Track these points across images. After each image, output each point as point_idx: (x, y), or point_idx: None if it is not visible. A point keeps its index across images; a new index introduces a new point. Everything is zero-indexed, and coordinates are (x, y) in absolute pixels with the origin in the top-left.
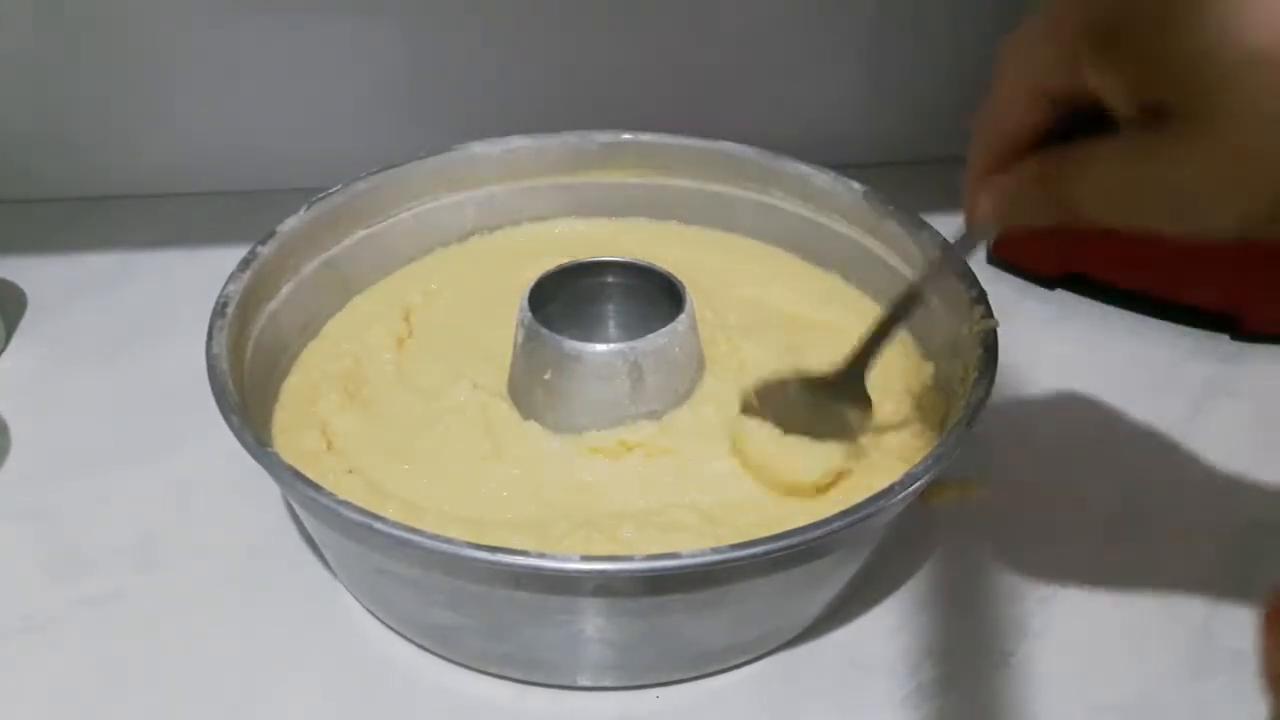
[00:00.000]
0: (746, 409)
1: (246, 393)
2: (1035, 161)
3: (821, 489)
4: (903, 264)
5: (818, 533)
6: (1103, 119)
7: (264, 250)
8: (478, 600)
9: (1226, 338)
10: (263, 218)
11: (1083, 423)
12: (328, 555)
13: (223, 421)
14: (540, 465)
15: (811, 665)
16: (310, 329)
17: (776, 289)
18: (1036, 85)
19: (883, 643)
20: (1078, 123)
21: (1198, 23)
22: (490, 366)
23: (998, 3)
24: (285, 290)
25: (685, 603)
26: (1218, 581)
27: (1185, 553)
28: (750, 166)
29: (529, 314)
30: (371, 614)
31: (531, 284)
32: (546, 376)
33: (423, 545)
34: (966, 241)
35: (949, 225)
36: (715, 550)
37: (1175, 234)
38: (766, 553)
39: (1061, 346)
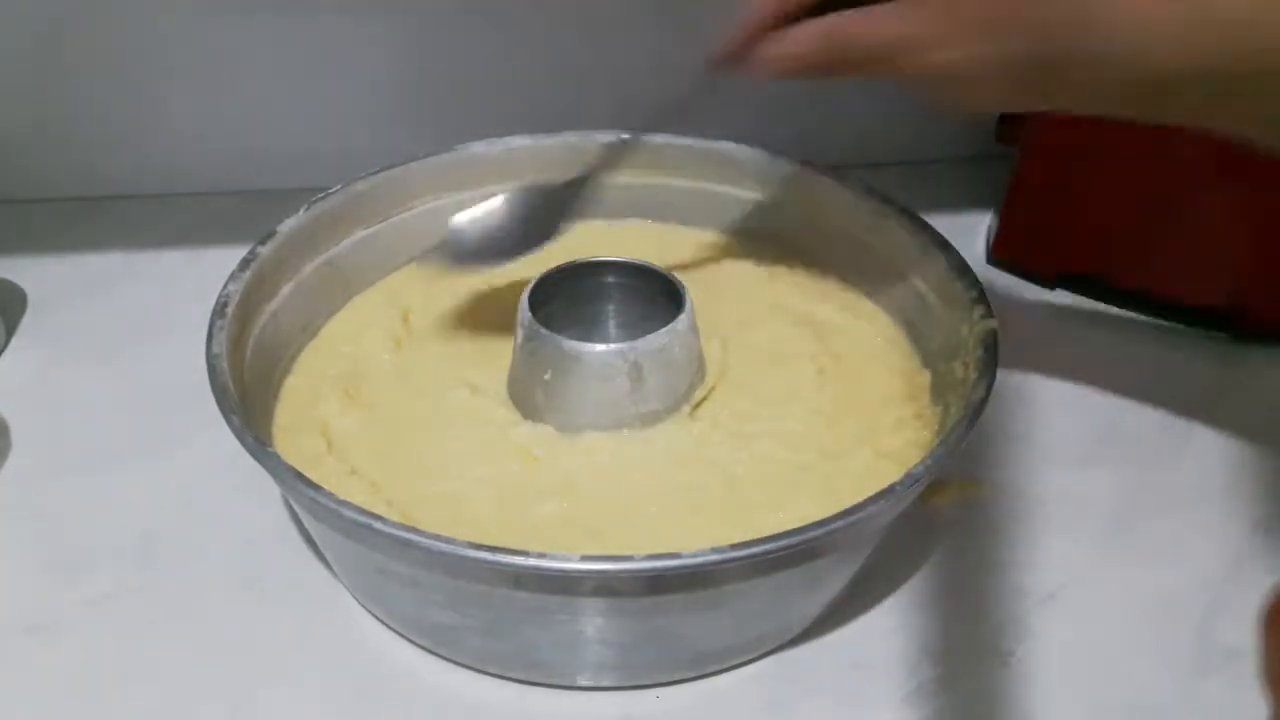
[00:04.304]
0: None
1: (246, 393)
2: (818, 21)
3: None
4: (903, 263)
5: (818, 533)
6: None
7: (264, 250)
8: (478, 600)
9: (1226, 338)
10: (263, 218)
11: (1083, 423)
12: (328, 555)
13: (223, 421)
14: (540, 465)
15: (811, 665)
16: (310, 329)
17: (776, 289)
18: None
19: (883, 643)
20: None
21: None
22: (490, 367)
23: None
24: (285, 290)
25: (685, 603)
26: (1218, 581)
27: (1185, 553)
28: (750, 166)
29: (529, 314)
30: (371, 614)
31: (531, 284)
32: (546, 376)
33: (423, 545)
34: (704, 87)
35: (949, 225)
36: (715, 550)
37: (919, 78)
38: (766, 553)
39: (1061, 346)
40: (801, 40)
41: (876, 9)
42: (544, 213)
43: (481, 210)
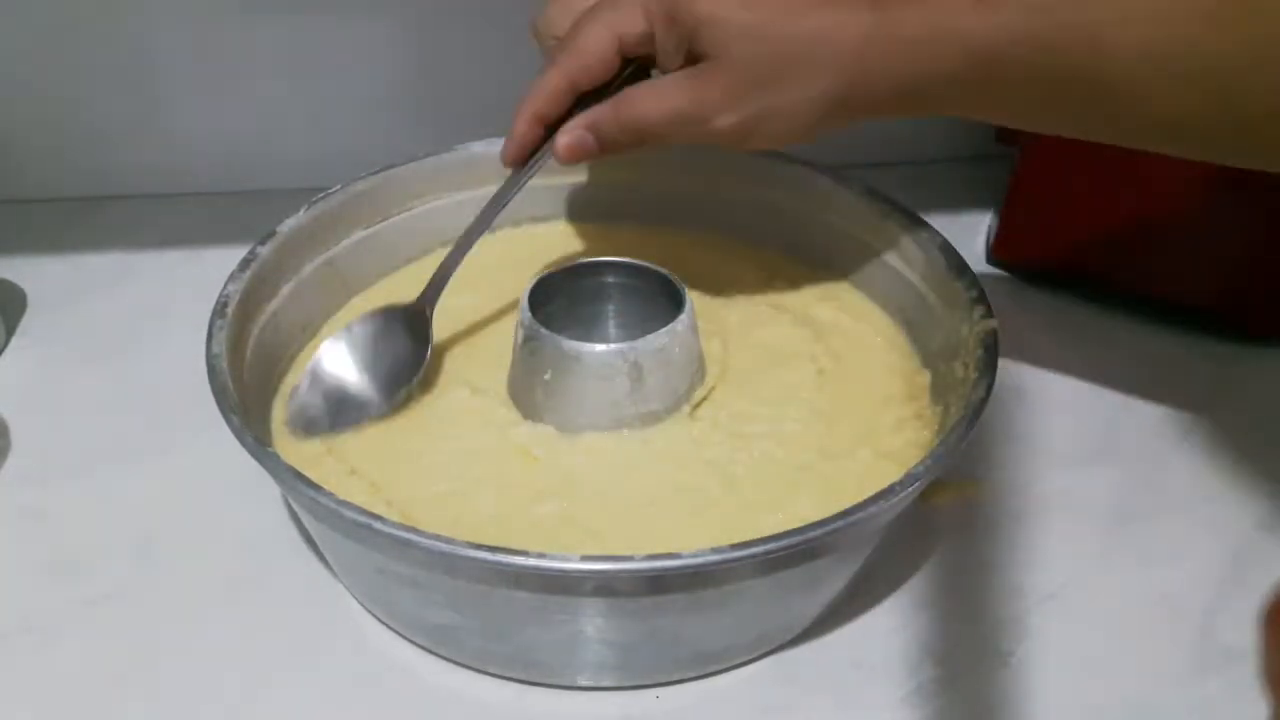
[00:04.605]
0: None
1: (246, 393)
2: (607, 101)
3: None
4: (903, 264)
5: (818, 533)
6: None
7: (264, 250)
8: (478, 600)
9: (1226, 338)
10: (263, 218)
11: (1083, 423)
12: (328, 555)
13: (223, 421)
14: (540, 465)
15: (811, 665)
16: (310, 329)
17: (776, 289)
18: (618, 38)
19: (883, 643)
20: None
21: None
22: (490, 367)
23: None
24: (285, 290)
25: (685, 603)
26: (1218, 581)
27: (1185, 553)
28: (750, 166)
29: (529, 314)
30: (371, 614)
31: (531, 284)
32: (546, 376)
33: (423, 545)
34: (518, 180)
35: (949, 225)
36: (715, 550)
37: (714, 139)
38: (766, 553)
39: (1061, 346)
40: (574, 137)
41: (665, 80)
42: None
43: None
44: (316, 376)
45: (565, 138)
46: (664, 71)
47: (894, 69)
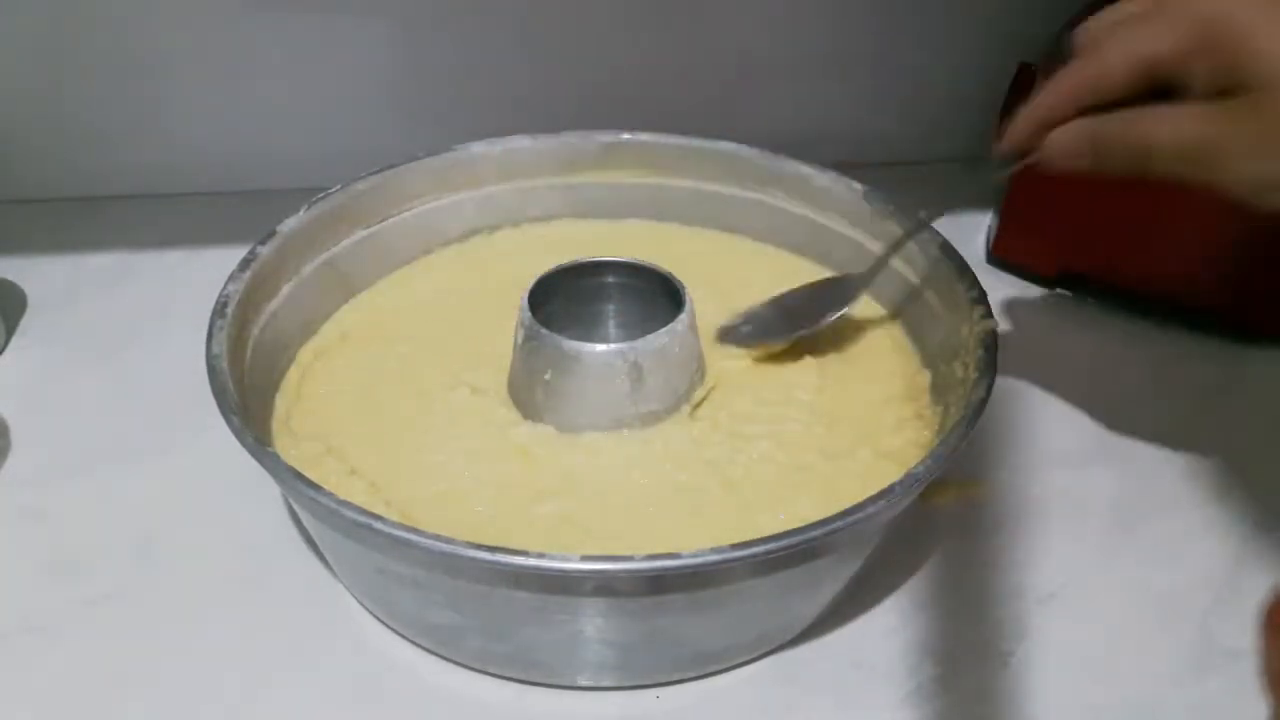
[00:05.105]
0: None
1: (246, 393)
2: (1115, 115)
3: None
4: (903, 264)
5: (818, 533)
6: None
7: (264, 250)
8: (478, 600)
9: (1226, 338)
10: (263, 218)
11: (1083, 423)
12: (328, 555)
13: (223, 421)
14: (540, 465)
15: (811, 665)
16: (310, 329)
17: (777, 289)
18: (1145, 57)
19: (883, 643)
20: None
21: (1276, 33)
22: (490, 367)
23: (997, 4)
24: (285, 290)
25: (685, 603)
26: (1218, 581)
27: (1185, 553)
28: (750, 166)
29: (529, 314)
30: (371, 614)
31: (531, 284)
32: (546, 376)
33: (423, 545)
34: (1003, 168)
35: (949, 225)
36: (715, 550)
37: (1227, 184)
38: (766, 553)
39: (1061, 346)
40: (1069, 139)
41: (1184, 108)
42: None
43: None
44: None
45: (1064, 137)
46: (1193, 98)
47: None
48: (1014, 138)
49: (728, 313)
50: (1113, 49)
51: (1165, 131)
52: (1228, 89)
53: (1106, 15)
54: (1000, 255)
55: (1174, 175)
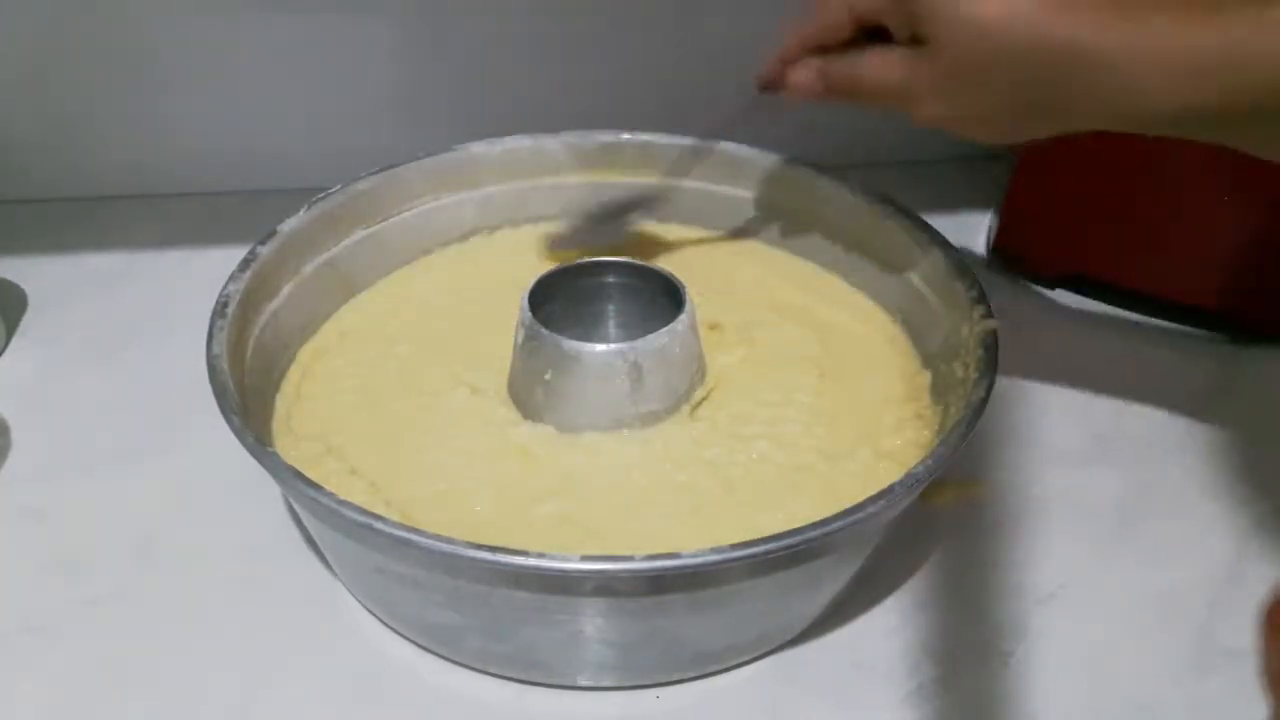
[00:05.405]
0: None
1: (246, 393)
2: (844, 56)
3: None
4: (903, 264)
5: (818, 533)
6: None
7: (264, 250)
8: (478, 600)
9: (1226, 338)
10: (263, 218)
11: (1082, 423)
12: (328, 555)
13: (223, 421)
14: (540, 465)
15: (811, 665)
16: (310, 329)
17: (776, 289)
18: (856, 8)
19: (883, 643)
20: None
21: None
22: (490, 367)
23: None
24: (285, 290)
25: (685, 603)
26: (1218, 581)
27: (1185, 553)
28: (750, 167)
29: (529, 314)
30: (371, 614)
31: (531, 284)
32: (546, 376)
33: (423, 545)
34: (752, 106)
35: (949, 225)
36: (715, 550)
37: (919, 120)
38: (766, 553)
39: (1061, 346)
40: (805, 75)
41: (888, 53)
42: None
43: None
44: None
45: (800, 74)
46: (899, 44)
47: (1181, 94)
48: (765, 74)
49: (728, 312)
50: (829, 5)
51: (868, 74)
52: (918, 38)
53: None
54: (1000, 255)
55: (883, 108)
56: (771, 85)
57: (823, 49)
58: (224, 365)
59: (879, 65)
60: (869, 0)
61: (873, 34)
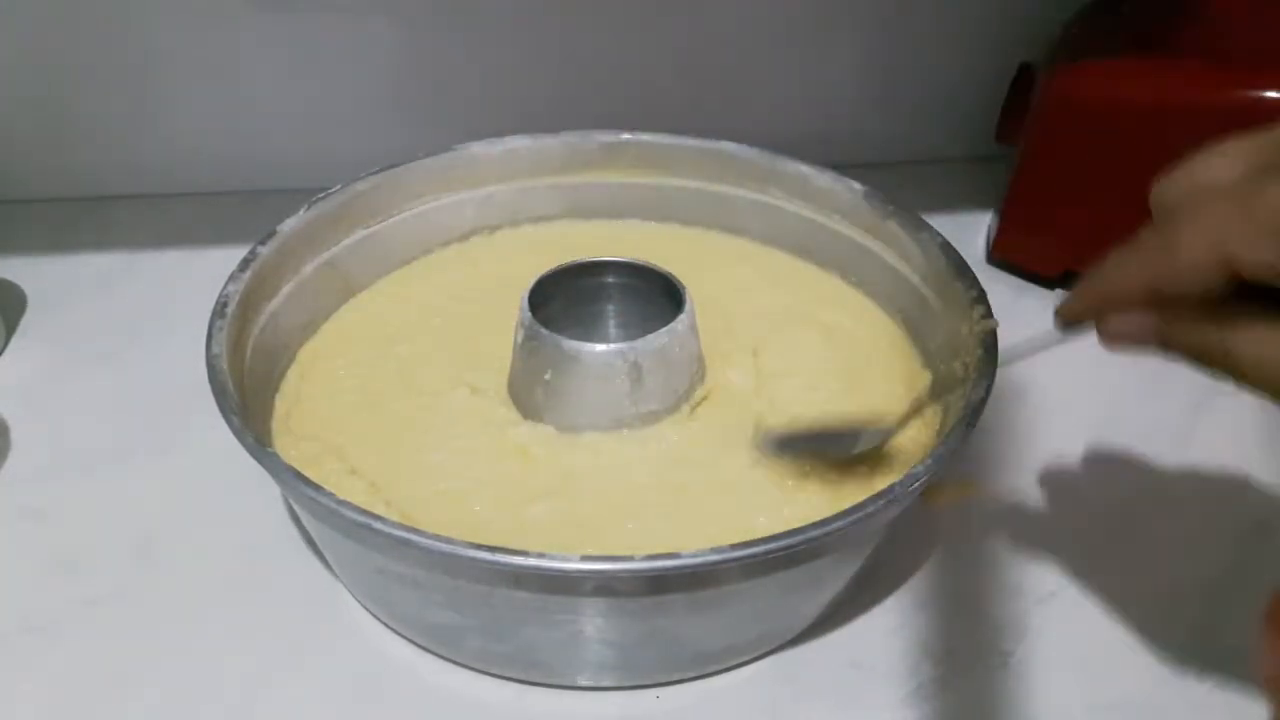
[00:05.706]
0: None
1: (246, 393)
2: (1195, 326)
3: None
4: (903, 264)
5: (817, 533)
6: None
7: (264, 250)
8: (478, 600)
9: None
10: (263, 218)
11: (1082, 423)
12: (328, 555)
13: (222, 421)
14: (540, 465)
15: (811, 665)
16: (310, 329)
17: (777, 289)
18: (1228, 256)
19: (883, 643)
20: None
21: None
22: (490, 367)
23: (996, 4)
24: (285, 290)
25: (685, 603)
26: (1218, 581)
27: (1185, 553)
28: (750, 166)
29: (529, 314)
30: (371, 614)
31: (531, 284)
32: (546, 376)
33: (422, 545)
34: (1048, 340)
35: (949, 225)
36: (715, 550)
37: None
38: (766, 553)
39: (1061, 347)
40: (1134, 330)
41: (1267, 330)
42: None
43: None
44: None
45: (1128, 329)
46: None
47: None
48: (1073, 312)
49: (728, 313)
50: (1193, 238)
51: (1254, 351)
52: None
53: (1191, 174)
54: (1000, 255)
55: (1261, 394)
56: (1078, 325)
57: (1163, 297)
58: (223, 365)
59: (1263, 347)
60: (1260, 251)
61: (1245, 291)
